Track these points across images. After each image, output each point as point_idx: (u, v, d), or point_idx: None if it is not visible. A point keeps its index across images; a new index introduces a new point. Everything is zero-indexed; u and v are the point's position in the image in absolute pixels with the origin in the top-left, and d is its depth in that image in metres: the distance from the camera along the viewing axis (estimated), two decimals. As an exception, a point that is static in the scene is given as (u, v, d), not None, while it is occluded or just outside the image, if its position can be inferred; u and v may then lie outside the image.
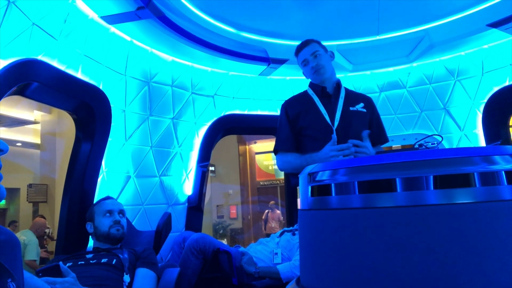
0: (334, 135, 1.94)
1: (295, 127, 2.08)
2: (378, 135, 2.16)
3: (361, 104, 2.10)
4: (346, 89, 2.15)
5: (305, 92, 2.17)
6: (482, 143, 3.38)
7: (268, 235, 3.14)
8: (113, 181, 2.86)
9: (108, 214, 2.22)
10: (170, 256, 2.93)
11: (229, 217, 10.85)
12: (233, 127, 3.80)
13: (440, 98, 3.66)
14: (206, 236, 2.65)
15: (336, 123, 2.00)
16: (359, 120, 2.06)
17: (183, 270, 2.39)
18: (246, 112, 3.84)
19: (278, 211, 10.30)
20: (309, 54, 2.09)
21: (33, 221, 6.57)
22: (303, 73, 2.20)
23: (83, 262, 1.94)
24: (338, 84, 2.12)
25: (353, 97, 2.14)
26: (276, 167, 10.98)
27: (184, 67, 3.35)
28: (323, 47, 2.15)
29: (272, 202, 10.35)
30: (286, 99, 2.21)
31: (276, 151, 2.15)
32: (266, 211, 10.32)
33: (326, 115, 2.03)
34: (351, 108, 2.06)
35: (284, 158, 2.09)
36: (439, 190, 0.84)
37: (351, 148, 1.85)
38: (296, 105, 2.12)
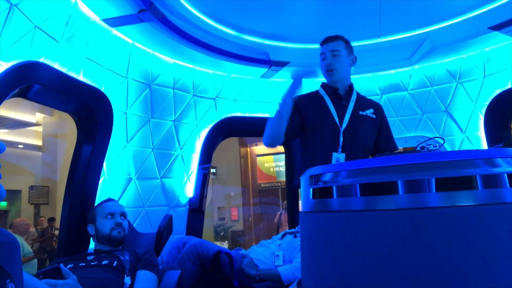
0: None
1: (297, 116, 2.03)
2: (388, 142, 2.16)
3: (371, 110, 2.10)
4: (358, 94, 2.15)
5: (317, 92, 2.17)
6: (484, 145, 3.37)
7: None
8: (114, 183, 2.87)
9: (109, 216, 2.22)
10: (166, 259, 2.91)
11: (230, 219, 10.83)
12: (235, 129, 3.80)
13: (442, 101, 3.66)
14: (205, 241, 2.65)
15: (344, 125, 2.00)
16: (368, 125, 2.06)
17: (182, 274, 2.39)
18: (247, 115, 3.84)
19: None
20: (329, 50, 2.05)
21: (13, 223, 6.59)
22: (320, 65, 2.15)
23: (84, 264, 1.94)
24: (350, 87, 2.11)
25: (363, 102, 2.13)
26: (277, 169, 11.00)
27: (186, 70, 3.35)
28: (349, 48, 2.10)
29: (285, 202, 9.81)
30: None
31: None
32: (279, 213, 9.57)
33: (336, 116, 2.02)
34: (361, 113, 2.06)
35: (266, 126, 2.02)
36: (441, 192, 0.83)
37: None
38: (306, 101, 2.11)
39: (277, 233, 9.33)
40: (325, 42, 2.08)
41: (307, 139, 2.05)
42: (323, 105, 2.07)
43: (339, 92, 2.08)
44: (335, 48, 2.04)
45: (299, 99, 2.11)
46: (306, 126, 2.05)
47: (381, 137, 2.13)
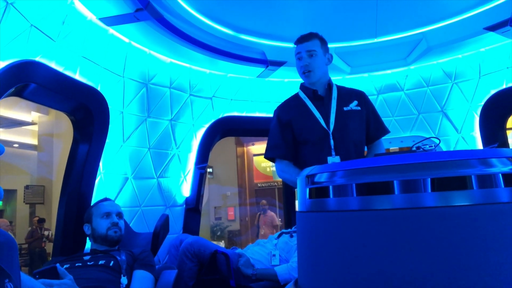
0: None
1: (289, 133, 2.04)
2: (377, 128, 2.12)
3: (355, 102, 2.05)
4: (338, 88, 2.10)
5: (297, 95, 2.13)
6: (479, 145, 3.39)
7: None
8: (111, 182, 2.86)
9: (105, 216, 2.21)
10: (167, 259, 2.93)
11: (227, 218, 10.83)
12: (231, 129, 3.80)
13: (438, 101, 3.68)
14: (201, 239, 2.65)
15: (331, 126, 1.97)
16: (355, 119, 2.03)
17: (180, 273, 2.39)
18: (244, 114, 3.84)
19: (272, 213, 8.79)
20: (305, 50, 2.01)
21: None
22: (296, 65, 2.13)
23: (80, 264, 1.94)
24: (329, 85, 2.07)
25: (345, 95, 2.09)
26: (274, 168, 10.99)
27: (182, 69, 3.35)
28: (325, 47, 2.07)
29: (263, 202, 9.01)
30: (280, 103, 2.18)
31: (271, 158, 2.12)
32: (258, 213, 9.06)
33: (321, 119, 1.99)
34: (345, 109, 2.02)
35: (283, 168, 2.04)
36: (436, 192, 0.84)
37: None
38: (288, 111, 2.08)
39: (258, 237, 8.60)
40: (300, 41, 2.05)
41: (300, 148, 2.03)
42: (307, 110, 2.03)
43: (319, 93, 2.05)
44: (311, 48, 2.01)
45: (282, 112, 2.10)
46: (296, 136, 2.03)
47: (370, 125, 2.10)
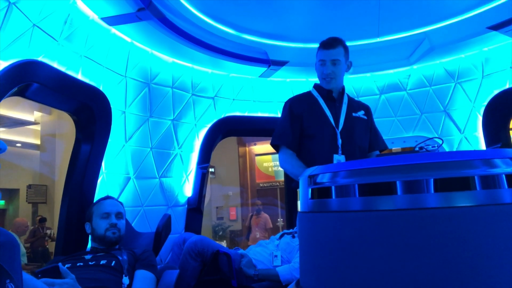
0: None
1: (298, 124, 2.08)
2: (376, 141, 2.21)
3: (362, 111, 2.15)
4: (348, 96, 2.19)
5: (309, 93, 2.18)
6: (482, 146, 3.38)
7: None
8: (113, 182, 2.86)
9: (105, 216, 2.21)
10: (169, 257, 2.93)
11: (229, 218, 10.83)
12: (233, 129, 3.80)
13: (441, 101, 3.66)
14: (205, 238, 2.65)
15: (340, 127, 2.03)
16: (361, 126, 2.11)
17: (182, 272, 2.39)
18: (246, 114, 3.84)
19: (266, 215, 8.21)
20: (330, 58, 2.03)
21: (14, 221, 6.65)
22: (315, 66, 2.14)
23: (82, 264, 1.94)
24: (343, 90, 2.15)
25: (355, 103, 2.19)
26: (276, 168, 10.99)
27: (185, 69, 3.35)
28: (347, 54, 2.11)
29: (257, 202, 8.59)
30: (288, 98, 2.21)
31: (276, 146, 2.14)
32: (250, 214, 8.57)
33: (331, 118, 2.05)
34: (354, 114, 2.10)
35: (287, 158, 2.07)
36: (439, 193, 0.84)
37: None
38: (301, 104, 2.13)
39: (248, 238, 8.27)
40: (326, 47, 2.05)
41: (306, 142, 2.07)
42: (319, 107, 2.09)
43: (333, 94, 2.11)
44: (336, 58, 2.03)
45: (294, 104, 2.14)
46: (304, 130, 2.07)
47: (371, 136, 2.19)
